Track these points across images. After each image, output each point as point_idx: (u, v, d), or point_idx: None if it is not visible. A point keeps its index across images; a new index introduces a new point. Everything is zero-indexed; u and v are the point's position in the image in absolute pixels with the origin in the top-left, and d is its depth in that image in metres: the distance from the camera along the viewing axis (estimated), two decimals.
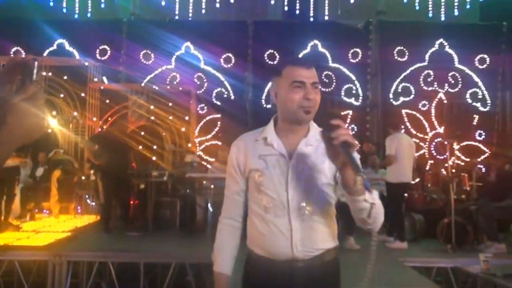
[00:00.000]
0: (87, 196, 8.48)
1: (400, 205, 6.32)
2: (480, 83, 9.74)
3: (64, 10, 10.38)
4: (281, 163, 1.69)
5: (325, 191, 1.70)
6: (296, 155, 1.69)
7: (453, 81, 9.74)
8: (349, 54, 9.92)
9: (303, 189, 1.66)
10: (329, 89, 9.72)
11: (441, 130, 9.50)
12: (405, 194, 6.63)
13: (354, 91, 9.84)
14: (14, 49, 9.86)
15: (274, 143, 1.72)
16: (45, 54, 9.74)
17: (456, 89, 9.72)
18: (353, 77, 9.84)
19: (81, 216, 7.99)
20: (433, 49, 9.84)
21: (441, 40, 9.81)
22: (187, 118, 9.34)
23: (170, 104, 9.17)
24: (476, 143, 9.52)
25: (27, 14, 9.87)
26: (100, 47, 9.90)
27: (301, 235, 1.65)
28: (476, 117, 9.63)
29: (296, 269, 1.66)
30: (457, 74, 9.75)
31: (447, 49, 9.83)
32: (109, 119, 9.10)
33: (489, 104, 9.71)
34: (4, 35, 9.68)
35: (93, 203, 8.32)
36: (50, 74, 9.12)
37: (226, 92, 9.88)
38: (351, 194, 1.53)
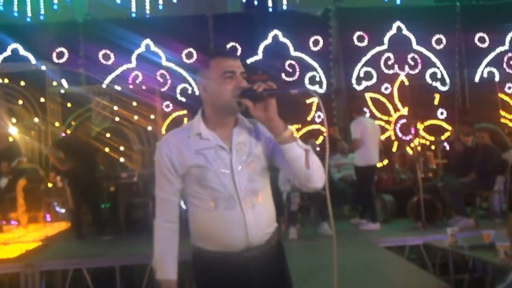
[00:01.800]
0: (55, 204, 8.25)
1: (370, 187, 6.46)
2: (438, 63, 10.02)
3: (16, 14, 9.99)
4: (221, 155, 1.70)
5: (264, 175, 1.77)
6: (234, 145, 1.71)
7: (412, 63, 9.98)
8: (310, 42, 9.99)
9: (247, 178, 1.70)
10: (293, 78, 9.79)
11: (404, 111, 9.74)
12: (375, 177, 6.77)
13: (317, 79, 9.94)
14: None
15: (210, 136, 1.72)
16: None
17: (416, 71, 9.96)
18: (316, 65, 9.93)
19: (51, 224, 7.77)
20: (391, 32, 10.04)
21: (398, 23, 10.01)
22: (152, 116, 9.19)
23: (135, 103, 9.01)
24: (439, 122, 9.82)
25: None
26: (57, 50, 9.59)
27: (254, 222, 1.68)
28: (437, 96, 9.92)
29: (250, 258, 1.70)
30: (416, 56, 9.99)
31: (405, 31, 10.05)
32: (72, 123, 8.86)
33: (448, 83, 10.02)
34: None
35: (62, 210, 8.11)
36: (6, 81, 8.79)
37: (190, 88, 9.79)
38: (283, 143, 1.60)
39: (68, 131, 8.56)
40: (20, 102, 8.76)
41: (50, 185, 7.87)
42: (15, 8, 9.96)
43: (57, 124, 8.84)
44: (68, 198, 6.80)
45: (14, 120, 8.75)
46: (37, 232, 7.06)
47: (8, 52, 9.49)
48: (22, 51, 9.52)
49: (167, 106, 9.68)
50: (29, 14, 9.97)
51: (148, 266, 5.19)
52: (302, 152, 1.61)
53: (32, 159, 8.56)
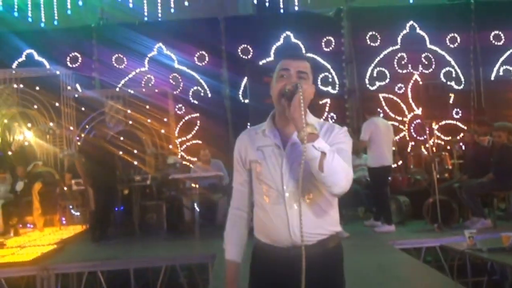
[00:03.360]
0: (71, 207, 8.33)
1: (384, 188, 6.38)
2: (453, 62, 9.89)
3: (30, 20, 10.12)
4: (276, 153, 1.76)
5: None
6: (290, 144, 1.75)
7: (426, 62, 9.86)
8: (323, 43, 9.95)
9: (297, 177, 1.67)
10: None
11: (419, 111, 9.61)
12: (389, 178, 6.69)
13: (330, 80, 9.88)
14: None
15: (271, 134, 1.79)
16: (14, 65, 9.52)
17: (430, 70, 9.84)
18: (328, 66, 9.87)
19: (67, 227, 7.84)
20: (405, 31, 9.94)
21: (411, 22, 9.91)
22: (165, 119, 9.25)
23: (148, 106, 9.08)
24: (454, 122, 9.67)
25: None
26: (71, 55, 9.71)
27: (298, 221, 1.66)
28: (452, 96, 9.76)
29: (297, 256, 1.66)
30: (430, 55, 9.87)
31: (418, 30, 9.94)
32: (87, 126, 8.95)
33: (463, 82, 9.87)
34: None
35: (77, 213, 8.18)
36: (21, 86, 8.92)
37: (202, 91, 9.81)
38: (302, 141, 1.58)
39: (82, 135, 8.64)
40: (35, 106, 8.87)
41: (65, 188, 7.95)
42: (30, 14, 10.10)
43: (71, 128, 8.94)
44: (89, 200, 6.76)
45: (29, 124, 8.87)
46: (53, 235, 7.12)
47: (23, 58, 9.65)
48: (37, 56, 9.67)
49: (180, 109, 9.71)
50: (43, 19, 10.09)
51: (162, 268, 5.20)
52: (317, 154, 1.57)
53: (47, 162, 8.66)
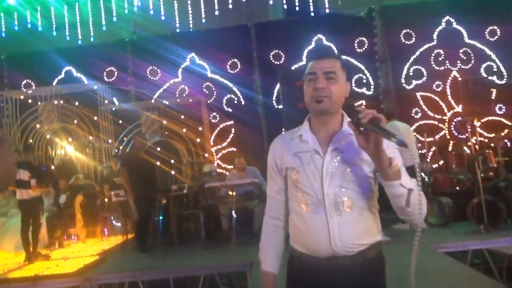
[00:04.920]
0: (112, 218, 8.52)
1: None
2: (493, 56, 9.49)
3: (68, 38, 10.52)
4: (315, 159, 1.68)
5: (362, 184, 1.66)
6: (330, 150, 1.68)
7: (465, 58, 9.51)
8: (355, 44, 9.79)
9: (339, 185, 1.64)
10: None
11: (459, 108, 9.26)
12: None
13: (364, 81, 9.70)
14: (24, 81, 10.05)
15: (309, 139, 1.72)
16: (54, 83, 9.89)
17: (470, 65, 9.48)
18: (362, 67, 9.70)
19: (108, 238, 8.02)
20: (440, 27, 9.64)
21: (447, 17, 9.60)
22: (200, 128, 9.34)
23: (182, 116, 9.20)
24: (497, 118, 9.25)
25: (33, 46, 10.05)
26: (107, 69, 10.00)
27: (339, 230, 1.62)
28: (494, 91, 9.34)
29: (338, 267, 1.63)
30: (468, 50, 9.52)
31: (455, 25, 9.62)
32: (124, 139, 9.15)
33: (506, 76, 9.44)
34: (13, 69, 9.89)
35: (119, 224, 8.35)
36: (61, 102, 9.24)
37: (236, 98, 9.85)
38: (386, 179, 1.53)
39: (120, 147, 8.84)
40: (75, 121, 9.16)
41: (106, 200, 8.14)
42: (67, 33, 10.49)
43: (110, 140, 9.17)
44: (132, 210, 6.86)
45: (70, 139, 9.16)
46: (95, 246, 7.30)
47: (62, 75, 10.02)
48: (75, 73, 10.03)
49: (214, 117, 9.79)
50: (80, 37, 10.46)
51: (201, 277, 5.21)
52: (404, 191, 1.52)
53: (87, 175, 8.91)
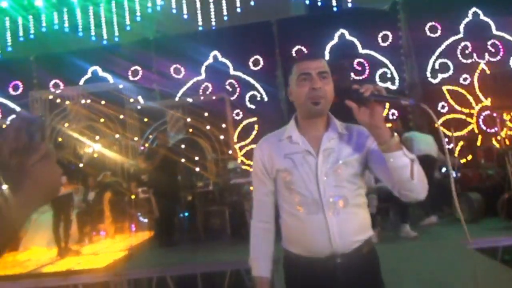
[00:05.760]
0: (139, 214, 8.66)
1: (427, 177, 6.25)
2: None
3: (93, 38, 10.72)
4: (308, 160, 1.69)
5: (354, 182, 1.69)
6: (322, 150, 1.69)
7: (493, 50, 9.28)
8: (379, 38, 9.67)
9: (333, 184, 1.66)
10: (363, 77, 9.51)
11: (487, 102, 9.07)
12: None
13: (389, 75, 9.58)
14: (52, 82, 10.30)
15: (299, 140, 1.72)
16: (81, 82, 10.10)
17: (498, 58, 9.25)
18: (386, 61, 9.58)
19: (136, 234, 8.16)
20: (467, 19, 9.43)
21: (474, 8, 9.38)
22: (224, 125, 9.39)
23: (206, 114, 9.26)
24: None
25: (60, 47, 10.28)
26: (132, 68, 10.16)
27: (338, 228, 1.64)
28: None
29: (337, 266, 1.66)
30: (496, 42, 9.29)
31: (482, 17, 9.39)
32: (150, 136, 9.29)
33: None
34: (42, 69, 10.13)
35: (146, 220, 8.48)
36: (88, 101, 9.43)
37: (259, 95, 9.87)
38: (389, 151, 1.54)
39: (147, 145, 8.97)
40: (102, 120, 9.34)
41: (133, 196, 8.29)
42: (93, 33, 10.69)
43: (136, 138, 9.32)
44: (154, 208, 7.03)
45: (97, 137, 9.35)
46: (123, 242, 7.44)
47: (89, 74, 10.23)
48: (101, 72, 10.22)
49: (238, 114, 9.83)
50: (105, 37, 10.64)
51: (227, 273, 5.26)
52: (408, 161, 1.54)
53: (115, 172, 9.08)
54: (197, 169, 8.66)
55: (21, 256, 6.82)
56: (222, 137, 9.28)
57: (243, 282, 5.52)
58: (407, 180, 1.55)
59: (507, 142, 6.98)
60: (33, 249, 7.26)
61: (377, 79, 9.53)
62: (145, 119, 9.41)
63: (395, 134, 1.54)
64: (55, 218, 6.58)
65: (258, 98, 9.87)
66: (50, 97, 9.54)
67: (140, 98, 9.87)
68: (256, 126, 9.74)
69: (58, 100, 9.66)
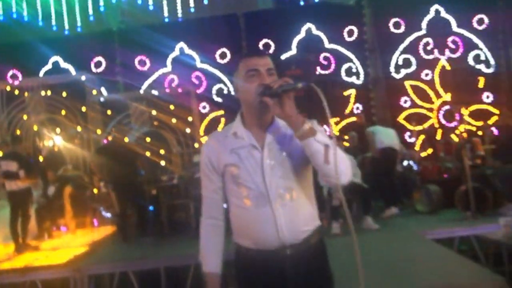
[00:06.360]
0: (101, 209, 8.47)
1: (389, 169, 6.64)
2: (481, 45, 9.56)
3: (54, 28, 10.36)
4: (254, 154, 1.72)
5: (300, 173, 1.73)
6: (266, 144, 1.71)
7: (453, 46, 9.57)
8: (345, 33, 9.80)
9: (279, 176, 1.69)
10: (329, 71, 9.62)
11: (447, 97, 9.34)
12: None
13: (354, 70, 9.73)
14: (10, 72, 9.91)
15: (244, 135, 1.74)
16: (41, 74, 9.77)
17: (458, 54, 9.55)
18: (352, 56, 9.72)
19: (98, 228, 7.99)
20: (429, 16, 9.68)
21: (436, 6, 9.63)
22: (190, 119, 9.30)
23: (172, 107, 9.14)
24: (485, 106, 9.34)
25: (19, 36, 9.89)
26: (95, 60, 9.91)
27: (285, 220, 1.67)
28: (482, 79, 9.44)
29: (286, 257, 1.69)
30: (456, 39, 9.58)
31: (444, 14, 9.65)
32: (113, 129, 9.09)
33: (493, 65, 9.52)
34: None
35: (108, 215, 8.31)
36: (49, 92, 9.13)
37: (226, 88, 9.82)
38: (302, 138, 1.59)
39: (109, 138, 8.78)
40: (63, 112, 9.07)
41: (95, 191, 8.10)
42: (54, 22, 10.33)
43: (98, 131, 9.10)
44: (113, 203, 6.94)
45: (58, 130, 9.07)
46: (85, 237, 7.27)
47: (49, 65, 9.90)
48: (62, 63, 9.91)
49: (204, 107, 9.77)
50: (67, 27, 10.31)
51: (191, 266, 5.22)
52: (321, 147, 1.58)
53: (76, 166, 8.85)
54: (162, 162, 8.55)
55: None
56: (188, 130, 9.19)
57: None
58: (322, 165, 1.59)
59: (465, 136, 7.22)
60: None
61: (343, 73, 9.65)
62: (108, 112, 9.19)
63: (306, 120, 1.59)
64: (13, 213, 6.36)
65: (225, 92, 9.82)
66: (8, 88, 9.18)
67: (103, 90, 9.63)
68: (222, 120, 9.69)
69: (17, 92, 9.31)
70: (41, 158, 8.63)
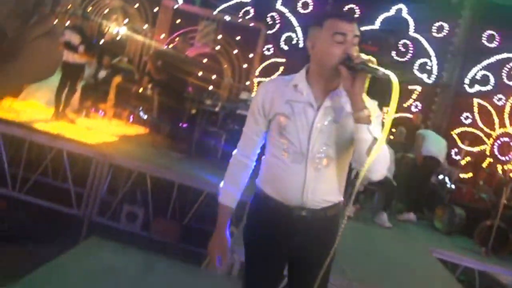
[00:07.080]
0: (140, 108, 8.68)
1: (425, 178, 6.57)
2: None
3: None
4: (308, 112, 1.69)
5: (343, 147, 1.71)
6: (324, 106, 1.69)
7: None
8: (434, 27, 9.27)
9: (324, 141, 1.69)
10: (403, 59, 9.23)
11: (511, 130, 8.87)
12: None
13: (428, 68, 9.28)
14: None
15: (304, 91, 1.71)
16: None
17: None
18: (432, 53, 9.24)
19: (132, 125, 8.24)
20: None
21: None
22: (251, 55, 9.21)
23: (238, 38, 9.04)
24: None
25: None
26: None
27: (314, 183, 1.69)
28: None
29: (300, 218, 1.73)
30: None
31: None
32: (176, 39, 9.11)
33: None
34: None
35: (145, 116, 8.52)
36: None
37: (295, 38, 9.59)
38: (357, 121, 1.57)
39: (170, 46, 8.82)
40: (136, 5, 9.11)
41: (140, 90, 8.27)
42: None
43: (163, 35, 9.15)
44: (154, 107, 7.05)
45: (126, 20, 9.16)
46: (118, 128, 7.52)
47: None
48: None
49: (268, 49, 9.59)
50: None
51: (204, 193, 5.36)
52: (369, 138, 1.57)
53: (132, 61, 9.01)
54: (211, 87, 8.59)
55: (18, 105, 6.90)
56: (245, 65, 9.13)
57: (214, 207, 5.65)
58: (362, 155, 1.58)
59: (511, 175, 6.93)
60: (31, 102, 7.32)
61: (416, 67, 9.26)
62: (178, 21, 9.18)
63: (367, 108, 1.56)
64: (61, 83, 6.59)
65: (294, 42, 9.60)
66: None
67: None
68: (281, 68, 9.55)
69: None
70: (102, 42, 8.80)
